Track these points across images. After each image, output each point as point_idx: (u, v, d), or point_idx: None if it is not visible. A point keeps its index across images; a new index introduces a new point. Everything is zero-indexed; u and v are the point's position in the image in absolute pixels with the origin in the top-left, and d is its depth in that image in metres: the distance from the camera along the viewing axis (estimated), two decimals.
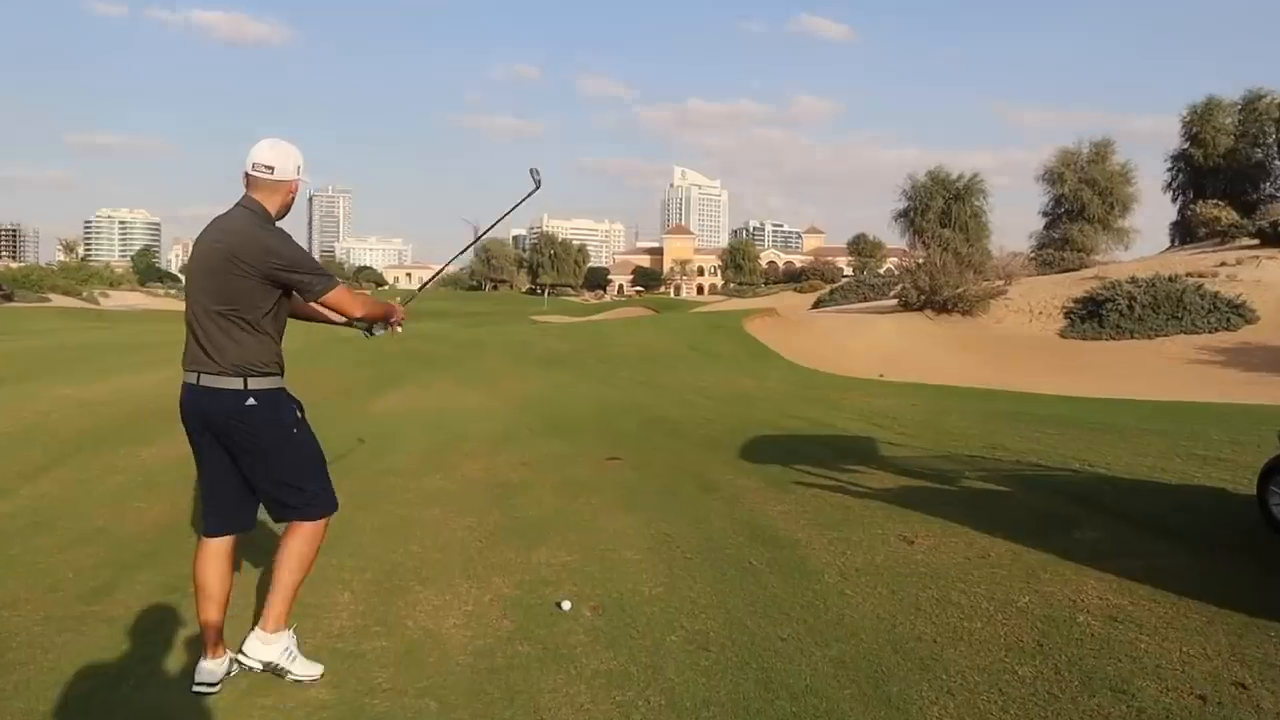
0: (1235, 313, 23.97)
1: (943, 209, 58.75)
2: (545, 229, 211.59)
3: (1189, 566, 4.54)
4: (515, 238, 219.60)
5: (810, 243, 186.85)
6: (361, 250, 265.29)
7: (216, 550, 3.40)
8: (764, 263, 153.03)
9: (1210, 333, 23.43)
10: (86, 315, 44.18)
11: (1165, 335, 23.72)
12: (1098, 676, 3.29)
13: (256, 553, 4.57)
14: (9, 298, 48.78)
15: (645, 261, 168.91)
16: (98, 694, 3.28)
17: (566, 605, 4.08)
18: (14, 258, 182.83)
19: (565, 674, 3.42)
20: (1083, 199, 52.92)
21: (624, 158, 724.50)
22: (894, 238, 71.18)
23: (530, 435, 9.40)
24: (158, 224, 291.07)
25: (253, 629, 3.43)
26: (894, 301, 31.57)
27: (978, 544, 5.00)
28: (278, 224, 3.39)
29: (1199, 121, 53.36)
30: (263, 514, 3.53)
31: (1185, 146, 54.64)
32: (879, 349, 23.11)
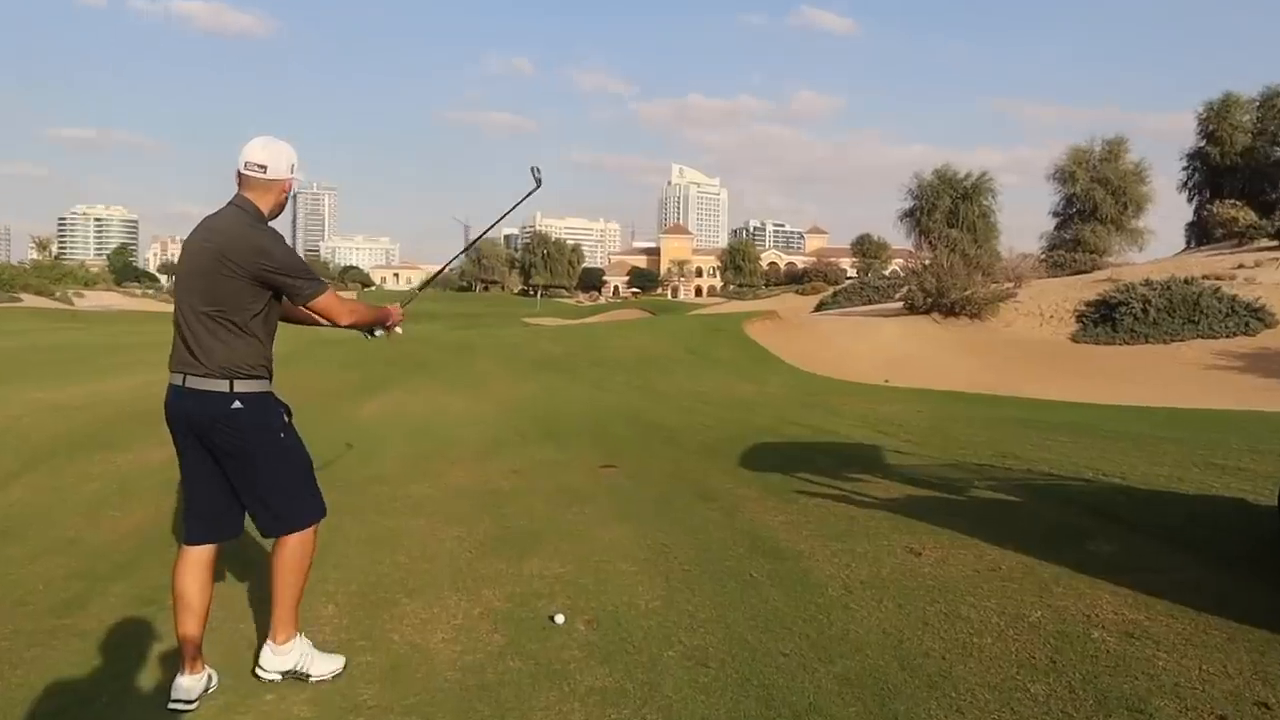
0: (1254, 316, 24.00)
1: (950, 208, 58.90)
2: (538, 228, 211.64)
3: (1208, 580, 4.53)
4: (507, 237, 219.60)
5: (812, 243, 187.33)
6: (348, 249, 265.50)
7: (197, 559, 3.39)
8: (764, 264, 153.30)
9: (1228, 337, 23.47)
10: (60, 316, 44.12)
11: (1181, 340, 23.76)
12: (1113, 695, 3.28)
13: (238, 563, 4.56)
14: None
15: (642, 262, 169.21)
16: (68, 711, 3.26)
17: (559, 619, 4.06)
18: None
19: (558, 691, 3.40)
20: (1095, 199, 53.01)
21: (620, 154, 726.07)
22: (899, 238, 71.40)
23: (522, 442, 9.39)
24: (135, 222, 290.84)
25: (262, 645, 3.49)
26: (899, 304, 31.58)
27: (987, 556, 4.99)
28: (270, 224, 3.41)
29: (1216, 119, 53.38)
30: (246, 522, 3.52)
31: (1201, 144, 54.65)
32: (884, 353, 23.12)
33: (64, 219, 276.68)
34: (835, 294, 50.54)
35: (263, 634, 3.88)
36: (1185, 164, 56.50)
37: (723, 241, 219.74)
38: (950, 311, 27.91)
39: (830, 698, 3.30)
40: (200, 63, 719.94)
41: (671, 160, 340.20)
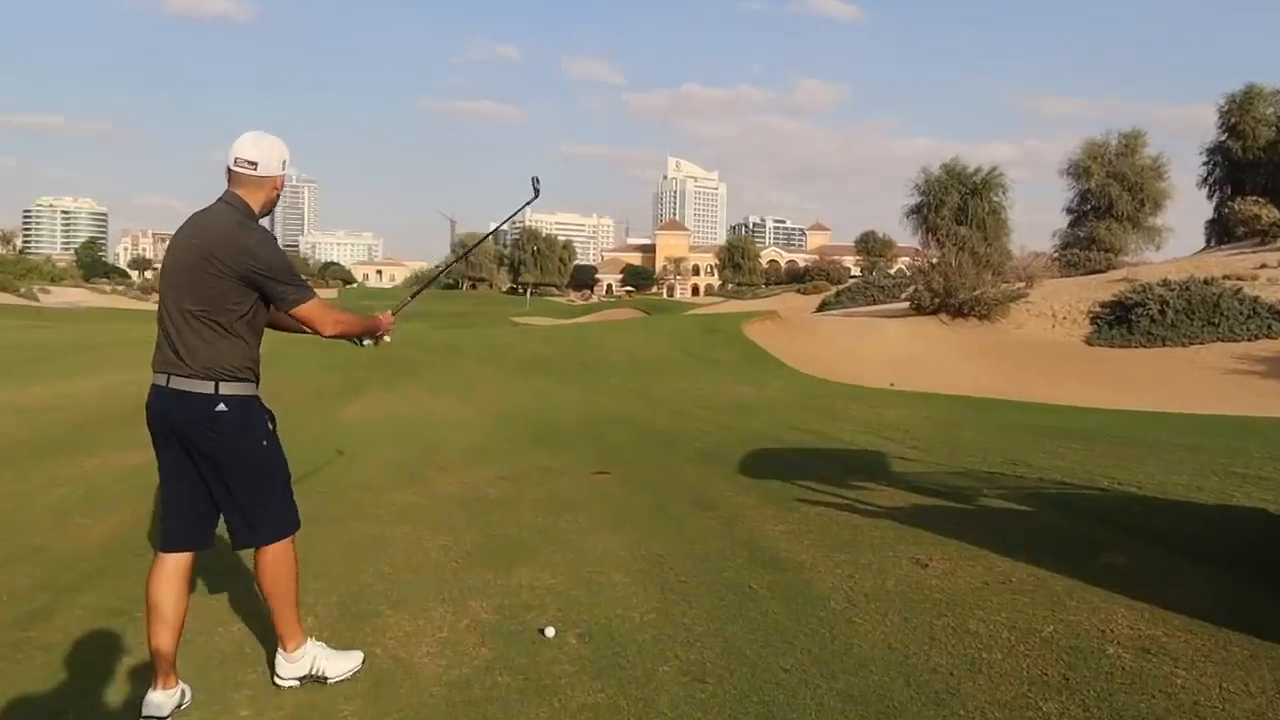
0: (1276, 319, 24.07)
1: (958, 205, 58.89)
2: (528, 224, 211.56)
3: (1228, 594, 4.53)
4: (495, 233, 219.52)
5: (814, 240, 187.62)
6: (328, 245, 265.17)
7: (174, 567, 3.40)
8: (764, 262, 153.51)
9: (1249, 340, 23.54)
10: (25, 313, 43.97)
11: (1200, 343, 23.84)
12: (1129, 714, 3.29)
13: (213, 573, 4.55)
14: None
15: (636, 260, 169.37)
16: None
17: (550, 632, 4.06)
18: None
19: (549, 707, 3.40)
20: (1110, 195, 53.04)
21: (614, 147, 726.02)
22: (905, 235, 71.24)
23: (511, 447, 9.39)
24: (104, 214, 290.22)
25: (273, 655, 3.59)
26: (905, 304, 31.64)
27: (997, 568, 5.00)
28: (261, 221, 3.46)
29: (1238, 111, 53.44)
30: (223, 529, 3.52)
31: (1222, 138, 54.67)
32: (889, 356, 23.16)
33: (29, 211, 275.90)
34: (838, 293, 50.66)
35: (237, 646, 3.91)
36: (1205, 159, 56.54)
37: (721, 238, 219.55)
38: (958, 312, 27.98)
39: (833, 715, 3.30)
40: (175, 48, 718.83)
41: (668, 153, 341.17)
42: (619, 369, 19.30)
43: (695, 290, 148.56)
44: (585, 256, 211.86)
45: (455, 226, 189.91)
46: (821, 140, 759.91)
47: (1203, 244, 54.37)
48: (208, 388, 3.28)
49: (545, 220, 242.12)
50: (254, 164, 3.38)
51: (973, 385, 18.56)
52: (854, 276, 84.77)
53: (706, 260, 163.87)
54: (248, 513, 3.42)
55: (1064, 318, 27.41)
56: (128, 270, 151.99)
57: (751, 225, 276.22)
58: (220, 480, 3.37)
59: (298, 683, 3.54)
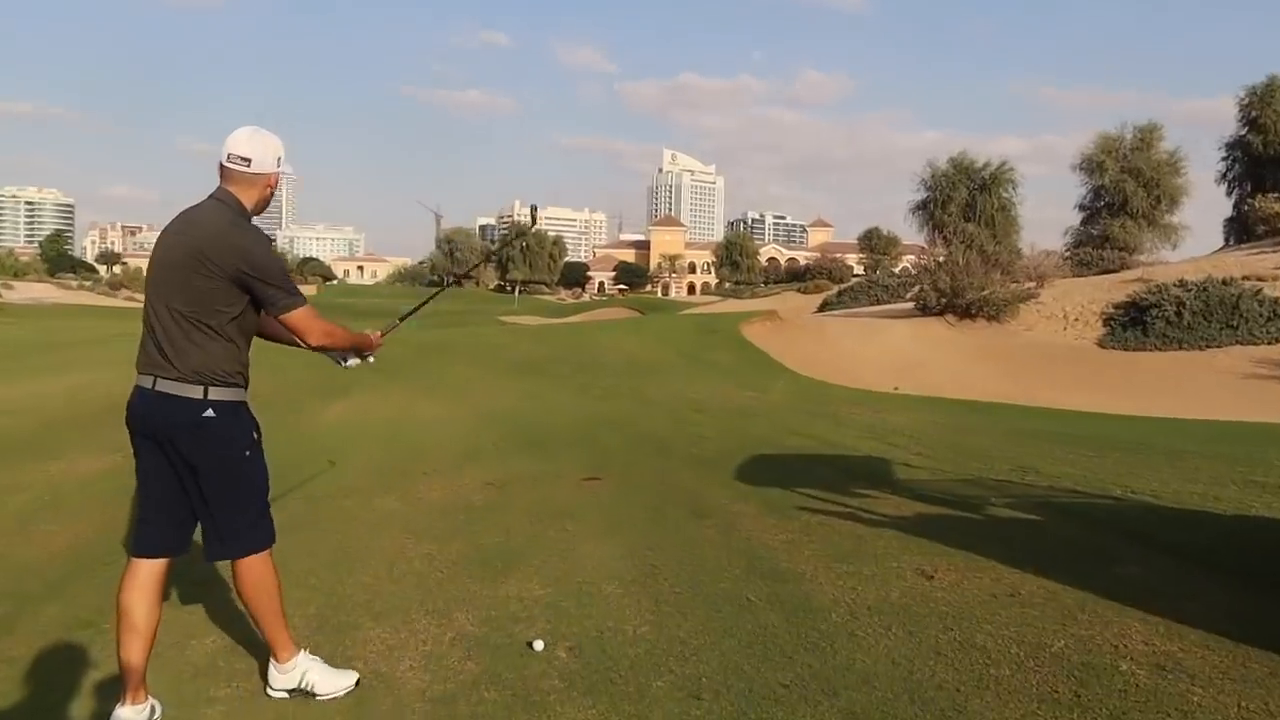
0: None
1: (966, 201, 59.03)
2: (516, 218, 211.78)
3: (1247, 609, 4.55)
4: (483, 227, 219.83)
5: (816, 237, 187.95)
6: (307, 239, 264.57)
7: (148, 575, 3.40)
8: (764, 259, 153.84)
9: (1270, 344, 23.59)
10: None
11: (1218, 346, 23.89)
12: None
13: (185, 582, 4.54)
14: None
15: (630, 256, 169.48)
16: None
17: (539, 645, 4.07)
18: None
19: None
20: (1125, 191, 53.18)
21: (607, 138, 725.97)
22: (911, 233, 71.59)
23: (498, 452, 9.39)
24: (71, 206, 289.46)
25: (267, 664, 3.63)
26: (910, 305, 31.71)
27: (1006, 580, 5.01)
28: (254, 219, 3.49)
29: (1259, 104, 53.56)
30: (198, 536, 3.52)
31: (1243, 133, 54.82)
32: (893, 358, 23.20)
33: None
34: (840, 293, 50.65)
35: (210, 659, 3.92)
36: (1225, 154, 56.67)
37: (718, 235, 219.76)
38: (966, 313, 28.03)
39: None
40: (145, 33, 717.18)
41: (663, 145, 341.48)
42: (611, 370, 19.30)
43: (691, 289, 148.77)
44: (576, 253, 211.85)
45: (441, 221, 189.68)
46: (824, 133, 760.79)
47: (1221, 243, 54.50)
48: (196, 392, 3.30)
49: None
50: (247, 160, 3.40)
51: (980, 389, 18.60)
52: (857, 275, 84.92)
53: (703, 257, 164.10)
54: (221, 524, 3.43)
55: (1076, 319, 27.47)
56: (95, 265, 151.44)
57: (750, 221, 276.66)
58: (198, 488, 3.38)
59: (288, 694, 3.56)
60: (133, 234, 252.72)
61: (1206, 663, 3.86)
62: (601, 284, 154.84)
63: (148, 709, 3.32)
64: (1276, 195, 44.36)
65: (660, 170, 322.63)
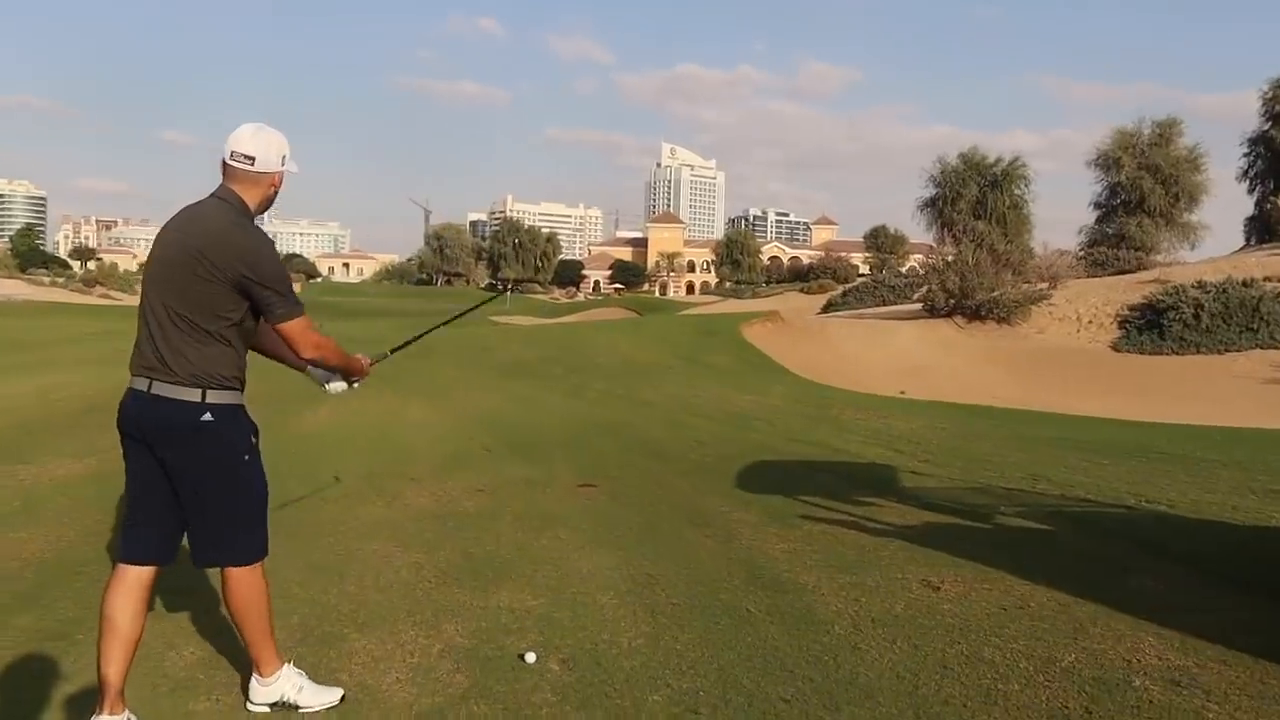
0: None
1: (977, 198, 59.19)
2: (509, 214, 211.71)
3: (1265, 622, 4.56)
4: (474, 224, 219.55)
5: (820, 235, 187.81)
6: (291, 236, 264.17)
7: (136, 581, 3.41)
8: (766, 258, 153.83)
9: None
10: None
11: (1238, 350, 23.95)
12: None
13: (166, 590, 4.54)
14: None
15: (626, 254, 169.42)
16: None
17: (531, 658, 4.07)
18: None
19: None
20: (1142, 188, 53.25)
21: (603, 131, 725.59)
22: (919, 231, 71.67)
23: (488, 457, 9.39)
24: (43, 199, 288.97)
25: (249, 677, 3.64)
26: (918, 306, 31.78)
27: (1015, 592, 5.03)
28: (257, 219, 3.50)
29: None
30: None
31: (1265, 128, 54.70)
32: (900, 361, 23.23)
33: None
34: (845, 293, 50.74)
35: (189, 672, 3.91)
36: (1246, 150, 56.54)
37: (718, 232, 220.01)
38: (975, 315, 28.08)
39: None
40: (119, 19, 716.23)
41: (661, 139, 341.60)
42: (607, 373, 19.31)
43: (690, 288, 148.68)
44: (571, 250, 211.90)
45: (430, 216, 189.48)
46: (828, 127, 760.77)
47: (1242, 242, 54.48)
48: (194, 395, 3.31)
49: (528, 210, 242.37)
50: (251, 159, 3.41)
51: (990, 394, 18.62)
52: (862, 275, 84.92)
53: (703, 256, 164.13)
54: (216, 531, 3.44)
55: (1090, 321, 27.53)
56: (68, 260, 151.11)
57: (752, 218, 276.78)
58: (194, 493, 3.39)
59: (269, 709, 3.56)
60: (108, 228, 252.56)
61: (1223, 679, 3.87)
62: (597, 283, 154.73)
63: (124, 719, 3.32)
64: None
65: (659, 165, 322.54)
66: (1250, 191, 56.51)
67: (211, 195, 3.44)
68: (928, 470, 9.03)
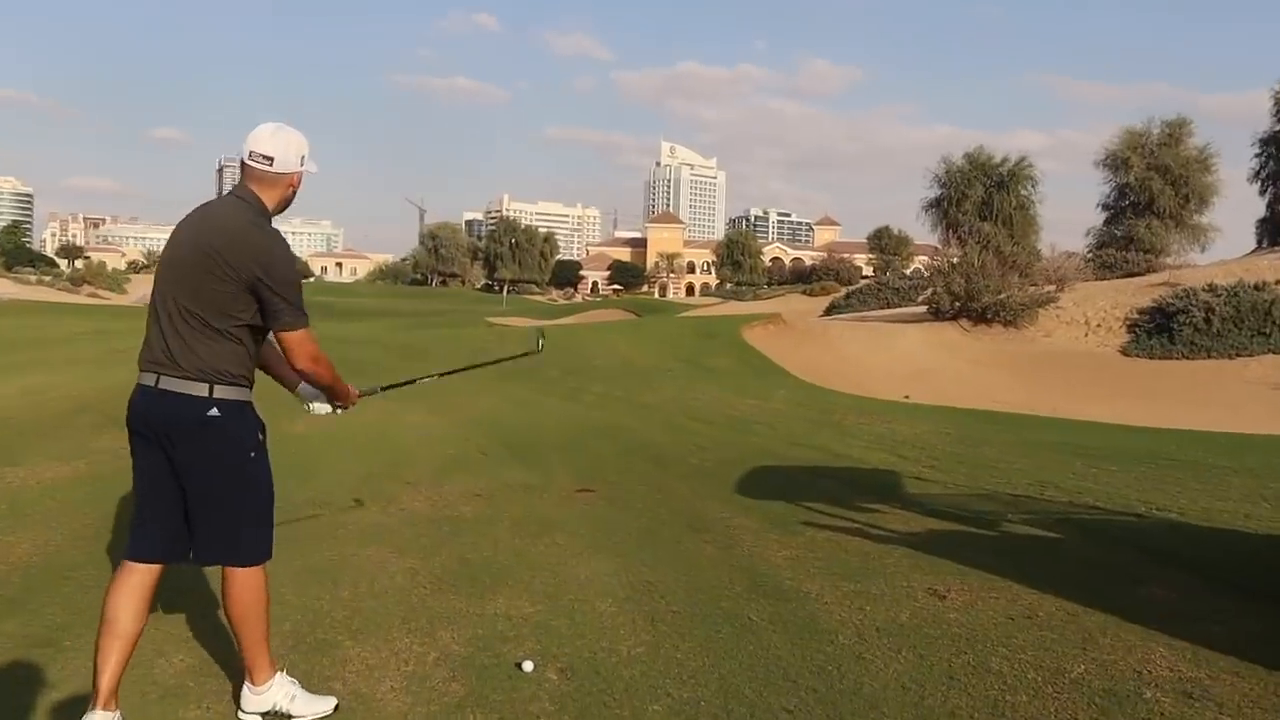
0: None
1: (982, 199, 59.14)
2: (505, 213, 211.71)
3: (1278, 633, 4.57)
4: (469, 223, 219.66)
5: (823, 236, 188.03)
6: (283, 234, 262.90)
7: (140, 580, 3.42)
8: (767, 259, 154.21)
9: None
10: None
11: (1250, 354, 23.93)
12: None
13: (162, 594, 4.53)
14: None
15: (625, 255, 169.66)
16: None
17: (528, 666, 4.07)
18: None
19: None
20: (1151, 189, 53.18)
21: (602, 130, 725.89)
22: (923, 232, 71.79)
23: (485, 461, 9.39)
24: (30, 196, 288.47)
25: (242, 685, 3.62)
26: (922, 309, 31.79)
27: (1022, 601, 5.03)
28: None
29: None
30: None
31: (1277, 128, 54.64)
32: (904, 365, 23.24)
33: None
34: (848, 295, 50.74)
35: (179, 679, 3.91)
36: (1258, 150, 56.30)
37: (719, 233, 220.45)
38: (981, 318, 28.08)
39: None
40: (108, 13, 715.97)
41: (661, 137, 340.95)
42: (605, 375, 19.30)
43: (690, 290, 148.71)
44: (569, 251, 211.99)
45: (425, 215, 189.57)
46: (831, 126, 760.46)
47: (1253, 245, 54.39)
48: (201, 390, 3.33)
49: (525, 210, 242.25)
50: (270, 159, 3.43)
51: (996, 399, 18.63)
52: (866, 277, 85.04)
53: (703, 257, 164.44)
54: (223, 527, 3.45)
55: (1098, 325, 27.53)
56: (55, 259, 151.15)
57: (753, 219, 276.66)
58: (200, 490, 3.41)
59: (261, 718, 3.57)
60: (96, 226, 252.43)
61: (1236, 690, 3.87)
62: (595, 284, 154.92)
63: (117, 717, 3.32)
64: None
65: (658, 164, 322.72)
66: (1262, 193, 56.34)
67: (229, 194, 3.48)
68: (932, 476, 9.03)
